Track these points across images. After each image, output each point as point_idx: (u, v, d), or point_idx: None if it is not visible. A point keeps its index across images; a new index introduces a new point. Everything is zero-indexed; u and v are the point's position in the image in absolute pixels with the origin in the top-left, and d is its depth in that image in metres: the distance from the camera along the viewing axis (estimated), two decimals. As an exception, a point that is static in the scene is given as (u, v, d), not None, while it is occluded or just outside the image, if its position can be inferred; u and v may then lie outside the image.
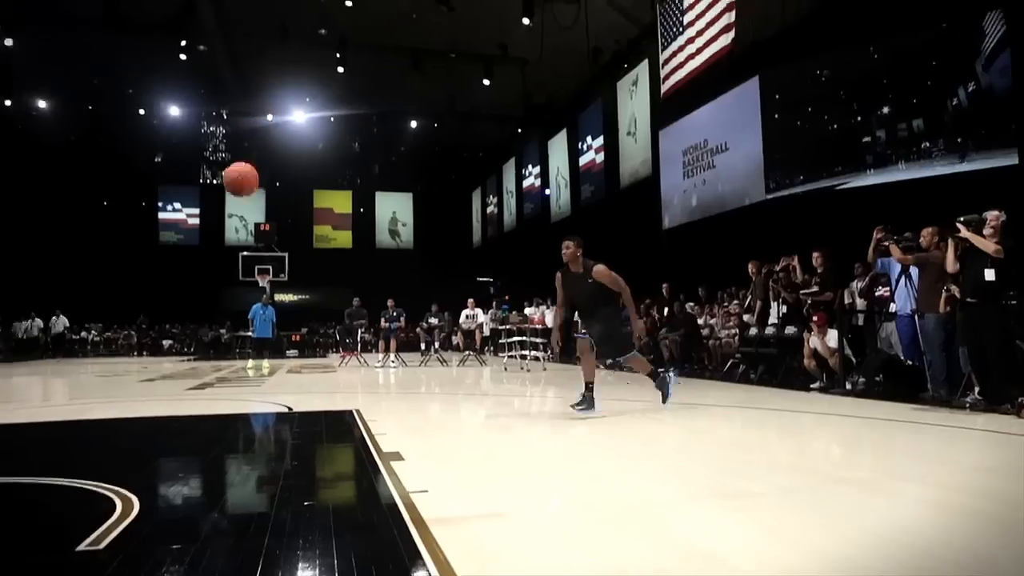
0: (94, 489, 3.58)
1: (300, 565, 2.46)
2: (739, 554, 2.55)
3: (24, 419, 7.03)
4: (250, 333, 16.93)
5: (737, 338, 11.19)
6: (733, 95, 14.54)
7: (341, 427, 6.15)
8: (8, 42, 19.34)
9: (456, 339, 19.08)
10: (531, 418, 7.16)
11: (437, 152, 30.14)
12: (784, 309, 10.05)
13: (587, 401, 6.43)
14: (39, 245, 26.51)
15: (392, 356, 15.31)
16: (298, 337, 24.19)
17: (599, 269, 6.38)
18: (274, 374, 13.46)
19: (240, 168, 4.99)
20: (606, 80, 20.07)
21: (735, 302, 12.14)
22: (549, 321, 16.84)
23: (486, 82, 22.17)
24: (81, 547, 2.64)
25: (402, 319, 15.72)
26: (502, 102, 24.14)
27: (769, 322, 10.45)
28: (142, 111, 25.45)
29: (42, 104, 24.18)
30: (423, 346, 17.02)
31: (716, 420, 6.48)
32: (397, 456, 4.37)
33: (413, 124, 27.03)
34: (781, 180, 13.17)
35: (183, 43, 21.18)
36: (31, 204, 27.20)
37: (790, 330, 9.68)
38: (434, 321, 16.41)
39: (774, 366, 9.85)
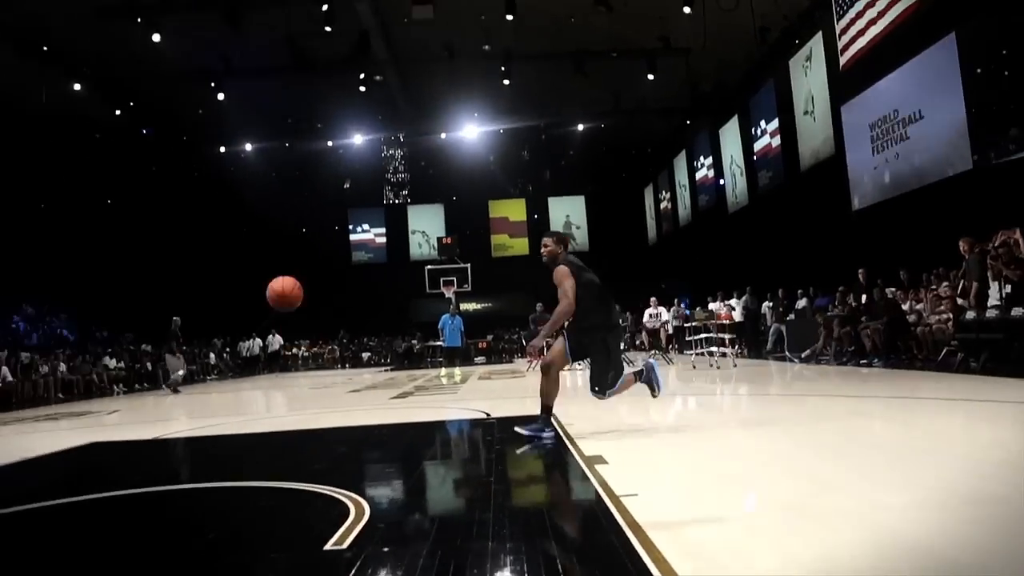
0: (328, 493, 3.94)
1: (526, 567, 2.57)
2: (991, 563, 2.34)
3: (259, 429, 7.86)
4: (440, 343, 17.77)
5: (951, 324, 10.18)
6: (925, 58, 13.27)
7: (539, 431, 6.30)
8: (220, 96, 21.77)
9: (640, 339, 18.91)
10: (727, 416, 6.97)
11: (605, 152, 30.10)
12: (1008, 289, 9.02)
13: (542, 422, 5.58)
14: (253, 272, 29.52)
15: (578, 359, 15.43)
16: (485, 344, 25.10)
17: (557, 271, 5.43)
18: (466, 381, 14.05)
19: (281, 284, 5.38)
20: (777, 59, 19.10)
21: (945, 284, 11.07)
22: (737, 315, 16.27)
23: (650, 76, 21.86)
24: (328, 546, 2.92)
25: (584, 321, 15.82)
26: (667, 95, 23.69)
27: (990, 304, 9.42)
28: (330, 143, 27.69)
29: (248, 147, 27.03)
30: (606, 347, 17.02)
31: (936, 415, 5.95)
32: (600, 459, 4.42)
33: (580, 127, 27.19)
34: (992, 146, 11.82)
35: (361, 76, 22.77)
36: (244, 238, 30.44)
37: (1017, 311, 8.67)
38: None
39: (1001, 352, 8.85)
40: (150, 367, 20.91)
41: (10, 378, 15.89)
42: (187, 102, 23.83)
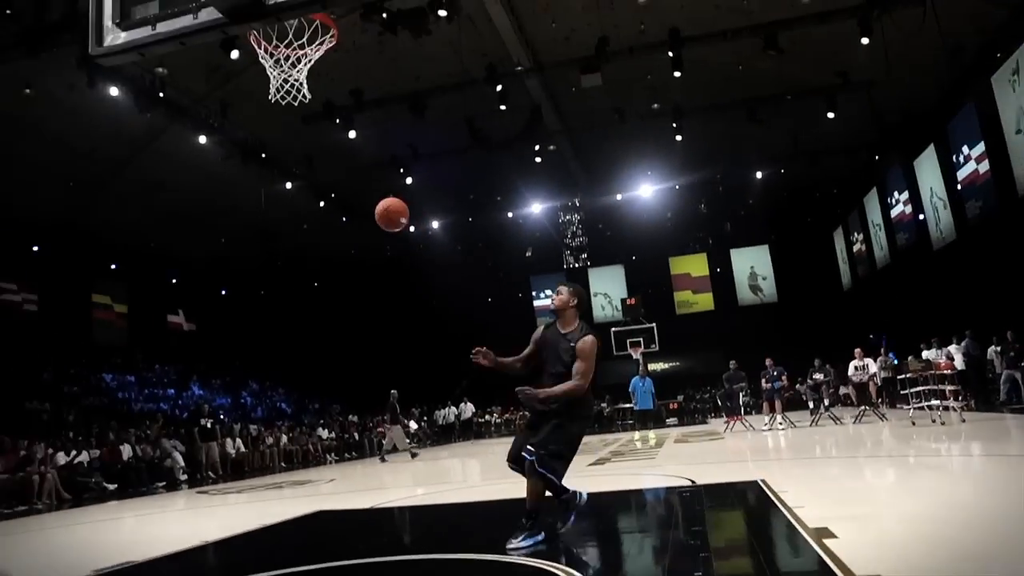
0: (548, 569, 3.96)
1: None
2: None
3: (465, 498, 8.09)
4: (632, 405, 17.54)
5: None
6: None
7: (753, 500, 6.00)
8: (408, 180, 23.49)
9: (845, 393, 17.57)
10: (967, 481, 6.23)
11: (787, 198, 28.84)
12: None
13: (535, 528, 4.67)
14: (444, 343, 31.00)
15: (779, 417, 14.62)
16: (676, 405, 24.44)
17: (587, 340, 4.75)
18: (662, 445, 13.70)
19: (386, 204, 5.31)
20: (975, 78, 17.54)
21: None
22: (958, 363, 14.72)
23: (830, 115, 20.85)
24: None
25: (784, 377, 14.99)
26: (851, 131, 22.46)
27: None
28: (510, 213, 28.82)
29: (435, 224, 28.79)
30: (810, 404, 15.96)
31: None
32: (827, 532, 4.12)
33: (758, 174, 26.35)
34: None
35: (536, 147, 23.64)
36: (433, 311, 32.16)
37: None
38: (819, 376, 15.35)
39: None
40: (356, 436, 22.34)
41: (243, 448, 17.62)
42: (379, 188, 25.83)
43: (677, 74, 18.45)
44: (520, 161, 24.41)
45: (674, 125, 22.28)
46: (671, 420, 23.24)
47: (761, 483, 6.48)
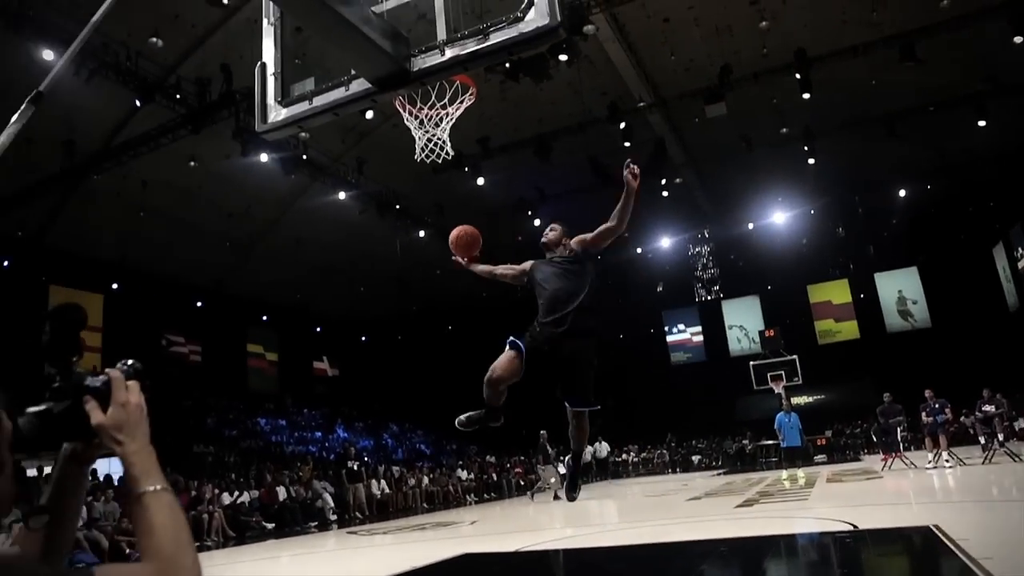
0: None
1: None
2: None
3: (611, 541, 7.93)
4: (778, 442, 16.72)
5: None
6: None
7: (928, 549, 5.51)
8: (536, 222, 23.84)
9: (1022, 427, 15.96)
10: None
11: (935, 215, 26.93)
12: None
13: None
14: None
15: (944, 454, 13.44)
16: (823, 441, 23.04)
17: (583, 237, 4.87)
18: (814, 484, 12.93)
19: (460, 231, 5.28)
20: None
21: None
22: None
23: (981, 123, 19.42)
24: None
25: (947, 410, 13.80)
26: (1006, 138, 20.80)
27: None
28: (639, 250, 28.58)
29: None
30: (981, 439, 14.58)
31: None
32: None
33: (902, 193, 24.82)
34: None
35: (662, 181, 23.41)
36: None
37: None
38: (990, 408, 14.01)
39: None
40: (495, 477, 22.52)
41: (387, 490, 18.17)
42: (506, 230, 26.46)
43: (806, 96, 17.84)
44: (646, 196, 24.17)
45: (805, 148, 21.48)
46: (819, 457, 21.90)
47: (934, 528, 5.95)
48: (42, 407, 1.24)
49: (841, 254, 29.70)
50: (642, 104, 19.77)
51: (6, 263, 19.34)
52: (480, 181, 20.71)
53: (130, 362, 1.35)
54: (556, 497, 16.22)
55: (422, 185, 21.94)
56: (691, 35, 18.48)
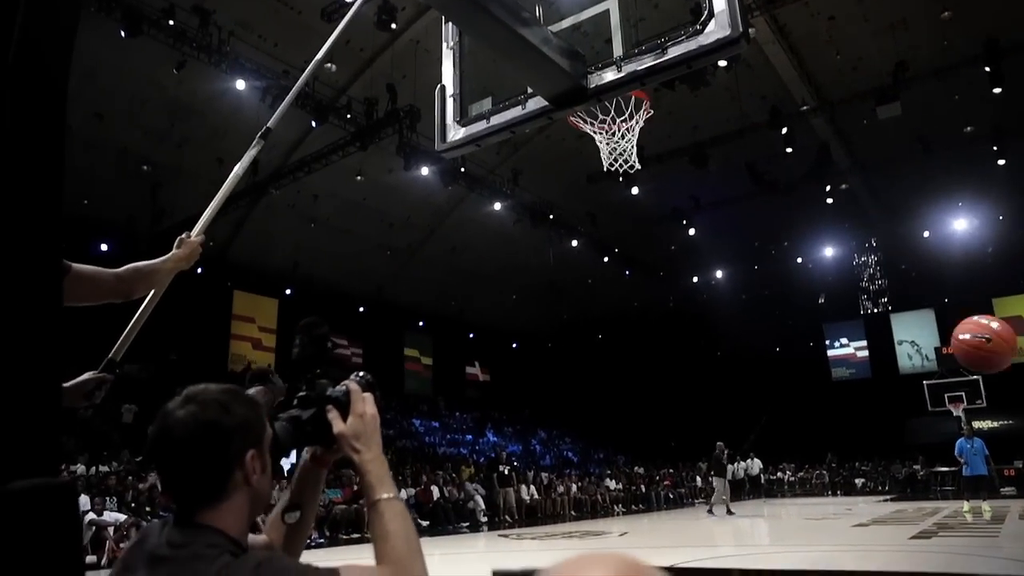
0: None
1: None
2: None
3: (777, 564, 7.60)
4: (958, 469, 15.31)
5: None
6: None
7: None
8: (691, 231, 23.41)
9: None
10: None
11: None
12: None
13: None
14: (729, 394, 29.84)
15: None
16: (1012, 472, 20.85)
17: None
18: (1003, 520, 11.73)
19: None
20: None
21: None
22: None
23: None
24: None
25: None
26: None
27: None
28: (799, 259, 27.25)
29: (718, 274, 28.21)
30: None
31: None
32: None
33: (1114, 195, 22.05)
34: None
35: (826, 188, 22.19)
36: (718, 361, 31.26)
37: None
38: None
39: None
40: (643, 489, 22.18)
41: (536, 495, 18.39)
42: (662, 240, 26.09)
43: (997, 90, 16.30)
44: (808, 203, 23.09)
45: (994, 148, 19.61)
46: (1007, 490, 19.85)
47: None
48: (292, 413, 1.39)
49: (1035, 263, 26.78)
50: (805, 108, 18.86)
51: (199, 270, 21.39)
52: (634, 191, 20.55)
53: (362, 374, 1.47)
54: (710, 512, 15.79)
55: (575, 195, 22.10)
56: (860, 32, 17.44)
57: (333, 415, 1.36)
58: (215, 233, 20.51)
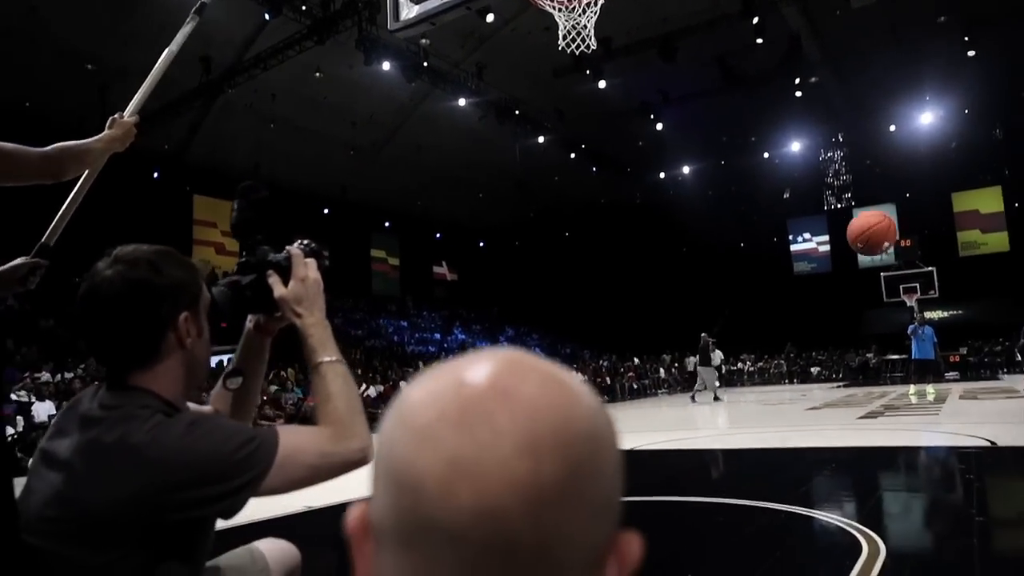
0: (831, 521, 3.82)
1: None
2: None
3: (729, 444, 8.00)
4: (908, 356, 15.97)
5: None
6: None
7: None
8: (659, 126, 23.14)
9: None
10: None
11: None
12: None
13: None
14: (694, 289, 30.40)
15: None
16: (956, 358, 21.81)
17: None
18: (944, 400, 12.37)
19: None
20: None
21: None
22: None
23: None
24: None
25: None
26: None
27: None
28: (766, 154, 27.23)
29: (685, 169, 28.15)
30: None
31: None
32: None
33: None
34: None
35: (795, 81, 21.94)
36: (683, 257, 31.63)
37: None
38: None
39: None
40: (608, 381, 22.84)
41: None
42: (629, 136, 25.77)
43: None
44: (777, 98, 22.86)
45: (965, 39, 19.41)
46: (951, 375, 20.84)
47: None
48: (232, 279, 1.37)
49: (996, 158, 27.07)
50: (779, -4, 18.38)
51: (156, 174, 20.82)
52: (601, 84, 20.10)
53: (306, 241, 1.45)
54: (716, 399, 16.42)
55: (541, 90, 21.58)
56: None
57: (274, 280, 1.34)
58: (171, 136, 19.81)
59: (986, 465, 5.51)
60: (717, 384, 16.93)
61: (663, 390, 24.45)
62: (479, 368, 0.41)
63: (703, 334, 16.93)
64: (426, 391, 0.41)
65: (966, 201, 28.42)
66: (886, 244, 5.03)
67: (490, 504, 0.36)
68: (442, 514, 0.36)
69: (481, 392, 0.39)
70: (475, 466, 0.37)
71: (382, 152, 24.45)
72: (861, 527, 3.62)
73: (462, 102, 20.93)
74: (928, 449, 6.95)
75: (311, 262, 1.39)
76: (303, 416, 13.68)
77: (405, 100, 22.05)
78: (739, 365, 27.41)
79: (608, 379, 22.99)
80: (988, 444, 6.41)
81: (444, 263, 31.64)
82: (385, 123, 23.27)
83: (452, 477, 0.37)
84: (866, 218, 5.29)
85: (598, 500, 0.39)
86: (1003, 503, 4.30)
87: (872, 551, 3.21)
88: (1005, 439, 6.54)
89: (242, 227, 1.41)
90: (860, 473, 5.70)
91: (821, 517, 3.94)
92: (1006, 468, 5.34)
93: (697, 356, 17.73)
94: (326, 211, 25.64)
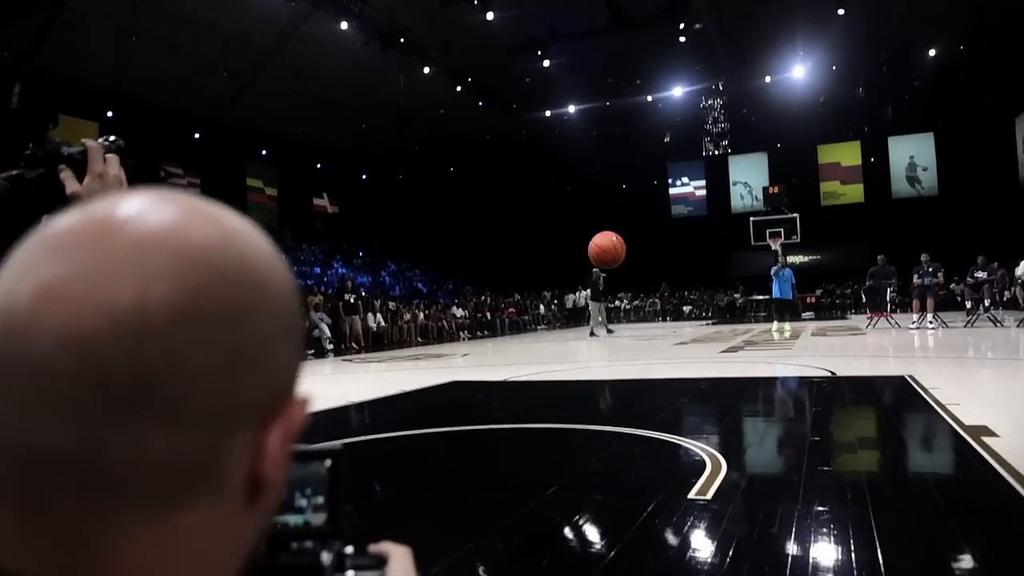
0: (681, 444, 3.99)
1: (916, 544, 2.33)
2: None
3: (597, 376, 8.24)
4: (769, 297, 16.96)
5: None
6: None
7: (900, 394, 5.72)
8: (545, 63, 22.97)
9: (1010, 296, 16.13)
10: None
11: (962, 80, 25.79)
12: None
13: None
14: (576, 228, 30.92)
15: (930, 316, 13.70)
16: (813, 299, 23.44)
17: None
18: (799, 337, 13.27)
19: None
20: None
21: None
22: None
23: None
24: (691, 495, 2.95)
25: (940, 274, 13.91)
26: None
27: None
28: (649, 98, 27.70)
29: (571, 109, 28.22)
30: (968, 304, 14.82)
31: None
32: (986, 431, 3.86)
33: (931, 53, 23.66)
34: None
35: (680, 26, 22.28)
36: (567, 196, 32.02)
37: None
38: (981, 275, 14.12)
39: None
40: (489, 316, 23.07)
41: (383, 323, 18.68)
42: (516, 72, 25.50)
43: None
44: (662, 42, 23.17)
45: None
46: (808, 314, 22.41)
47: (908, 378, 6.16)
48: (15, 172, 1.17)
49: (857, 115, 28.77)
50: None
51: (-9, 89, 18.69)
52: (490, 16, 19.66)
53: (112, 137, 1.27)
54: (592, 334, 16.70)
55: (428, 19, 20.85)
56: None
57: (67, 175, 1.15)
58: (9, 43, 17.76)
59: (824, 393, 5.95)
60: (601, 319, 17.35)
61: (543, 326, 24.94)
62: (112, 200, 0.35)
63: (594, 269, 17.10)
64: (44, 229, 0.35)
65: (829, 154, 30.17)
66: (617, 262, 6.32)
67: (79, 329, 0.31)
68: (25, 344, 0.31)
69: (96, 219, 0.34)
70: (66, 289, 0.32)
71: (260, 75, 23.03)
72: (707, 448, 3.80)
73: (344, 25, 19.94)
74: (776, 379, 7.42)
75: (112, 158, 1.22)
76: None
77: (284, 21, 20.74)
78: (616, 303, 28.31)
79: (489, 314, 23.20)
80: (829, 374, 6.93)
81: (325, 195, 30.57)
82: (263, 44, 21.85)
83: (40, 303, 0.32)
84: (605, 237, 6.46)
85: (243, 346, 0.34)
86: (834, 426, 4.63)
87: (714, 468, 3.38)
88: (843, 370, 7.11)
89: (27, 116, 1.20)
90: (713, 401, 6.01)
91: (672, 440, 4.10)
92: (841, 395, 5.77)
93: (588, 290, 18.04)
94: (197, 136, 24.05)
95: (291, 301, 0.38)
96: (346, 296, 16.62)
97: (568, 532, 2.70)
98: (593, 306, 17.29)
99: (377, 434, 5.08)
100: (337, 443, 0.55)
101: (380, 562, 0.58)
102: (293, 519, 0.52)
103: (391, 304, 20.23)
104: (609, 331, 17.02)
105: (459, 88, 25.10)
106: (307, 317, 16.32)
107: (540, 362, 10.88)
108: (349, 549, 0.55)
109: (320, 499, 0.52)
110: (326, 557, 0.53)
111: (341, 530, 0.53)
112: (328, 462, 0.52)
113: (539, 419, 5.32)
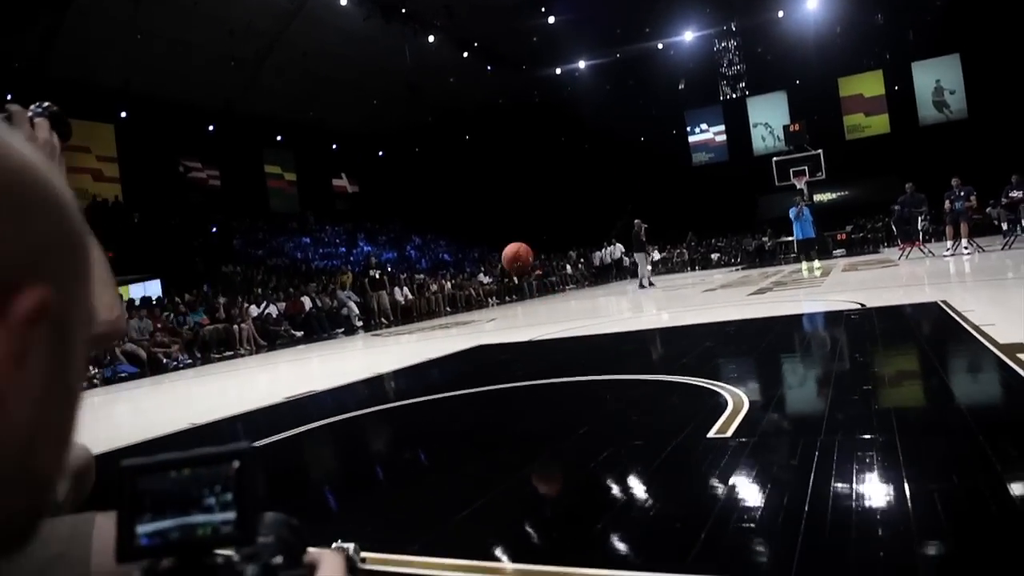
0: (705, 385, 3.92)
1: (944, 465, 2.25)
2: None
3: (627, 328, 8.15)
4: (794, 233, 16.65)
5: None
6: None
7: (931, 320, 5.57)
8: (551, 19, 22.54)
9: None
10: None
11: (990, -4, 24.68)
12: None
13: None
14: (598, 184, 30.63)
15: (964, 242, 13.33)
16: (843, 236, 22.95)
17: None
18: (828, 274, 13.01)
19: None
20: None
21: None
22: None
23: None
24: (711, 434, 2.89)
25: (972, 197, 13.47)
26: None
27: None
28: (660, 45, 27.09)
29: (581, 64, 27.74)
30: (1004, 226, 14.39)
31: None
32: (1021, 347, 3.72)
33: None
34: None
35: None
36: (586, 153, 31.63)
37: None
38: (1017, 194, 13.68)
39: None
40: (516, 280, 22.96)
41: (410, 296, 18.73)
42: (522, 32, 25.09)
43: None
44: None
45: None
46: (838, 251, 21.97)
47: (942, 304, 5.99)
48: None
49: (877, 43, 27.83)
50: None
51: (9, 96, 18.90)
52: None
53: (46, 104, 1.24)
54: (641, 286, 16.60)
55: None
56: None
57: None
58: (17, 52, 17.90)
59: (853, 324, 5.82)
60: (649, 269, 17.33)
61: (571, 286, 24.80)
62: None
63: (636, 220, 17.08)
64: None
65: (851, 86, 29.30)
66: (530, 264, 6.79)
67: None
68: None
69: None
70: None
71: (266, 62, 22.98)
72: (729, 387, 3.73)
73: (344, 2, 19.73)
74: (803, 316, 7.28)
75: (42, 122, 1.18)
76: (203, 339, 13.24)
77: (283, 3, 20.61)
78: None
79: (516, 279, 23.09)
80: (858, 307, 6.76)
81: (343, 175, 30.64)
82: (266, 30, 21.78)
83: None
84: (512, 249, 7.05)
85: None
86: (862, 355, 4.52)
87: (736, 406, 3.31)
88: (874, 302, 6.93)
89: None
90: (737, 342, 5.91)
91: (695, 383, 4.03)
92: (871, 325, 5.62)
93: (629, 244, 18.10)
94: (211, 128, 24.17)
95: (27, 187, 0.36)
96: (371, 272, 16.67)
97: (583, 478, 2.66)
98: (639, 256, 17.26)
99: (400, 401, 5.08)
100: (244, 443, 0.49)
101: (310, 570, 0.54)
102: (202, 519, 0.47)
103: (418, 277, 20.27)
104: (651, 284, 16.93)
105: (466, 54, 24.81)
106: (334, 296, 16.46)
107: (567, 320, 10.82)
108: (279, 559, 0.51)
109: (229, 496, 0.47)
110: (251, 571, 0.49)
111: (250, 534, 0.48)
112: (236, 463, 0.48)
113: (562, 374, 5.27)
